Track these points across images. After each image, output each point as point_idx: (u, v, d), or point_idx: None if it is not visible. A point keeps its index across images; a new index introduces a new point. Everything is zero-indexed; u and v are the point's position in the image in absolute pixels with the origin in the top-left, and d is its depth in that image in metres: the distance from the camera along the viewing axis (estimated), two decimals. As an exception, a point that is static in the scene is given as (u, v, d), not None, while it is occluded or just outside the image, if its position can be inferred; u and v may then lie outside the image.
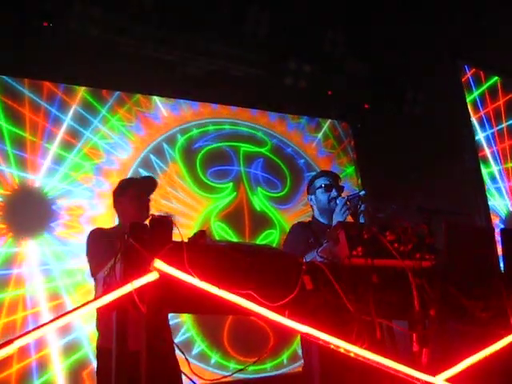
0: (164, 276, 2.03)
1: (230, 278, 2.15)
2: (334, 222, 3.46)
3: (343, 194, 3.74)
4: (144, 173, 5.67)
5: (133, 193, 3.71)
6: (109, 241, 3.34)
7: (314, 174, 4.58)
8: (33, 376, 4.63)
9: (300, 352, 4.04)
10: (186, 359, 2.29)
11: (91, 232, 3.65)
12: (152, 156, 5.87)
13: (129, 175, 5.59)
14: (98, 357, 3.45)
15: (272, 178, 6.57)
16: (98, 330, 3.48)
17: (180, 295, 2.11)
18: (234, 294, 2.11)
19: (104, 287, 2.34)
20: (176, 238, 2.18)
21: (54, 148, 5.29)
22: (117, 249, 2.80)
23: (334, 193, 3.70)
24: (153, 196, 3.83)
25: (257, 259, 2.31)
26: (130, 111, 5.86)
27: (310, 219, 3.89)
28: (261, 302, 2.14)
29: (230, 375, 4.66)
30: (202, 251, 2.19)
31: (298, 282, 2.24)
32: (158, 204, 5.55)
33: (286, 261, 2.41)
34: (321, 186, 3.75)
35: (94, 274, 3.37)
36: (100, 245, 3.45)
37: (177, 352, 3.31)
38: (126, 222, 3.68)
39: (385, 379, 2.43)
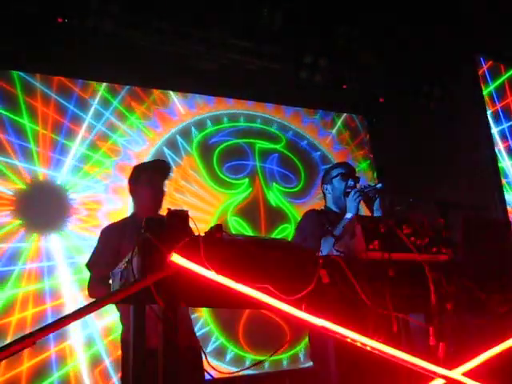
0: (181, 270, 2.04)
1: (246, 271, 2.15)
2: (348, 208, 3.50)
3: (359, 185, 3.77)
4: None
5: (144, 179, 3.72)
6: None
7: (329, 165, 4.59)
8: (52, 369, 4.70)
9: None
10: (204, 353, 2.32)
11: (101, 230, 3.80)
12: (166, 149, 5.88)
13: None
14: (123, 349, 3.48)
15: (287, 173, 6.57)
16: (121, 322, 3.51)
17: (197, 289, 2.12)
18: (250, 287, 2.11)
19: (121, 281, 2.36)
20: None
21: (66, 141, 5.35)
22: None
23: (350, 182, 3.73)
24: (167, 182, 3.83)
25: (273, 253, 2.31)
26: (146, 107, 5.88)
27: (322, 207, 3.91)
28: (277, 295, 2.14)
29: (246, 369, 4.71)
30: (218, 245, 2.19)
31: (314, 275, 2.24)
32: (172, 198, 5.58)
33: (303, 254, 2.42)
34: (338, 175, 3.79)
35: (87, 264, 3.62)
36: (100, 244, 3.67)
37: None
38: (139, 208, 3.77)
39: (401, 373, 2.43)
